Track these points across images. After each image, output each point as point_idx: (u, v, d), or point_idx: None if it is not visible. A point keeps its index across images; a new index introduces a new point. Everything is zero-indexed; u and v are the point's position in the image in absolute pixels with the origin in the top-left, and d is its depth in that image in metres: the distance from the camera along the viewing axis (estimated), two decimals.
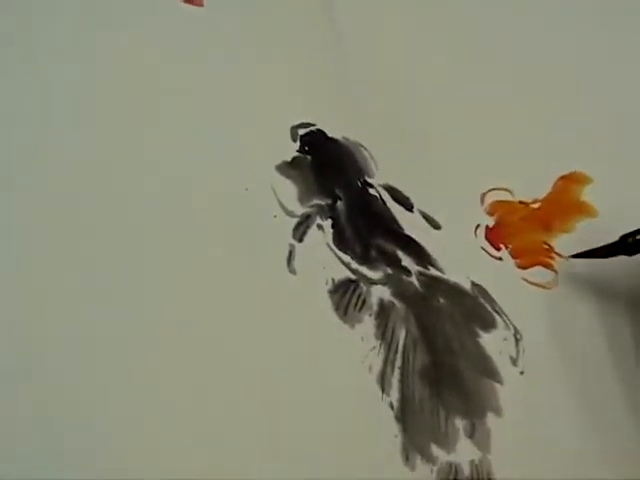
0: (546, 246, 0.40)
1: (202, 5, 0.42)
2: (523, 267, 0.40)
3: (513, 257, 0.40)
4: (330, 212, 0.38)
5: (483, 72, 0.45)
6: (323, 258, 0.37)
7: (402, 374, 0.35)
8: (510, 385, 0.36)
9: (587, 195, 0.41)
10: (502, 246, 0.40)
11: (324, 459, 0.32)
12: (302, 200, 0.38)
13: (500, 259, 0.40)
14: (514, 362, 0.37)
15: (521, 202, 0.41)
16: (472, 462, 0.34)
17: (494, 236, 0.40)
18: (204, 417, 0.32)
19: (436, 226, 0.40)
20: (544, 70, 0.45)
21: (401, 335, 0.36)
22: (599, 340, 0.38)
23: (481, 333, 0.37)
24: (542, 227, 0.41)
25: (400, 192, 0.40)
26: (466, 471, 0.34)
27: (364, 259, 0.37)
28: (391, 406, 0.34)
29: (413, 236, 0.39)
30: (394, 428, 0.34)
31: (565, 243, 0.40)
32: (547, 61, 0.45)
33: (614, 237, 0.38)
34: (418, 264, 0.38)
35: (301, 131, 0.40)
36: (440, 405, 0.35)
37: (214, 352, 0.33)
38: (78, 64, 0.38)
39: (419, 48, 0.45)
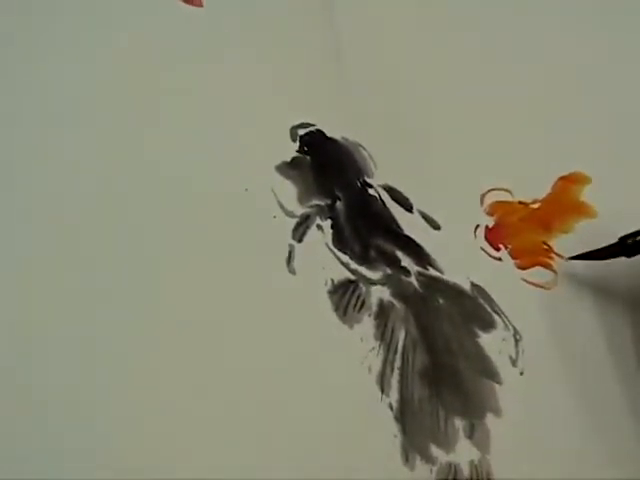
0: (545, 246, 0.40)
1: (202, 5, 0.42)
2: (522, 267, 0.40)
3: (512, 257, 0.40)
4: (329, 212, 0.38)
5: (483, 72, 0.45)
6: (322, 258, 0.37)
7: (401, 375, 0.35)
8: (509, 385, 0.36)
9: (586, 196, 0.41)
10: (501, 246, 0.40)
11: (324, 459, 0.32)
12: (302, 200, 0.38)
13: (499, 259, 0.40)
14: (513, 362, 0.37)
15: (520, 202, 0.41)
16: (471, 462, 0.34)
17: (493, 236, 0.40)
18: (204, 417, 0.32)
19: (435, 226, 0.40)
20: (544, 70, 0.45)
21: (400, 335, 0.36)
22: (599, 340, 0.38)
23: (480, 333, 0.37)
24: (541, 227, 0.41)
25: (399, 192, 0.40)
26: (465, 471, 0.34)
27: (363, 259, 0.37)
28: (390, 407, 0.34)
29: (412, 236, 0.39)
30: (393, 428, 0.34)
31: (564, 243, 0.40)
32: (547, 61, 0.45)
33: (613, 237, 0.38)
34: (417, 264, 0.38)
35: (301, 131, 0.40)
36: (439, 405, 0.35)
37: (214, 352, 0.33)
38: (78, 64, 0.38)
39: (419, 48, 0.45)
